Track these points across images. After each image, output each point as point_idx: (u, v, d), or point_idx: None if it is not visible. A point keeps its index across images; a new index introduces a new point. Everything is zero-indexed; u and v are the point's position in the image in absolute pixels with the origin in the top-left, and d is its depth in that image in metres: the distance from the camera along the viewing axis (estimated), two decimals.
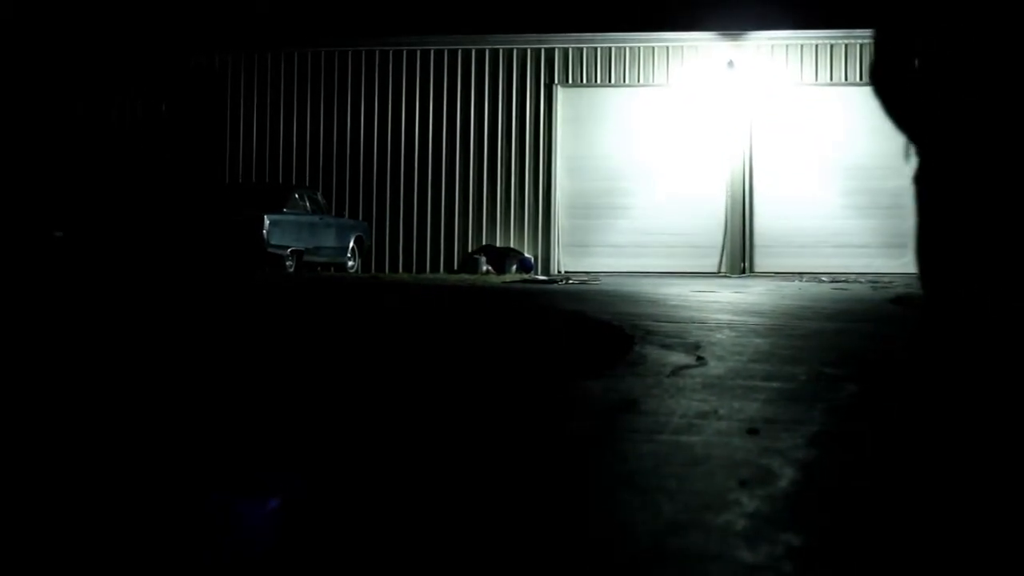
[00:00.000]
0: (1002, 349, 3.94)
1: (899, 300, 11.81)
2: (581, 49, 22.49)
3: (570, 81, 22.58)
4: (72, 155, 23.06)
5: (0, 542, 2.50)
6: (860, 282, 17.60)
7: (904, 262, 20.81)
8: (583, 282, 17.27)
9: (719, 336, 7.09)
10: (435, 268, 22.56)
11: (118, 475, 3.16)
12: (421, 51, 22.98)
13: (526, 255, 22.16)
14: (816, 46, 21.86)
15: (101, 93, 23.28)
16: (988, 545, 2.51)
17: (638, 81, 22.31)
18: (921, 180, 3.20)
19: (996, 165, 3.17)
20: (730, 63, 21.93)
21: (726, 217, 21.97)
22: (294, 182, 22.50)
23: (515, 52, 22.75)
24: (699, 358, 5.80)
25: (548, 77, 22.66)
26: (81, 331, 7.57)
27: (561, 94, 22.65)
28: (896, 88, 3.17)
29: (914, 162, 3.24)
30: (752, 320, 8.61)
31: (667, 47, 22.23)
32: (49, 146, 23.03)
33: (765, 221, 21.89)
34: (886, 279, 18.50)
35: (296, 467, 3.22)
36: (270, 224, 17.49)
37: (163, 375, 5.36)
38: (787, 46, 21.94)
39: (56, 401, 4.54)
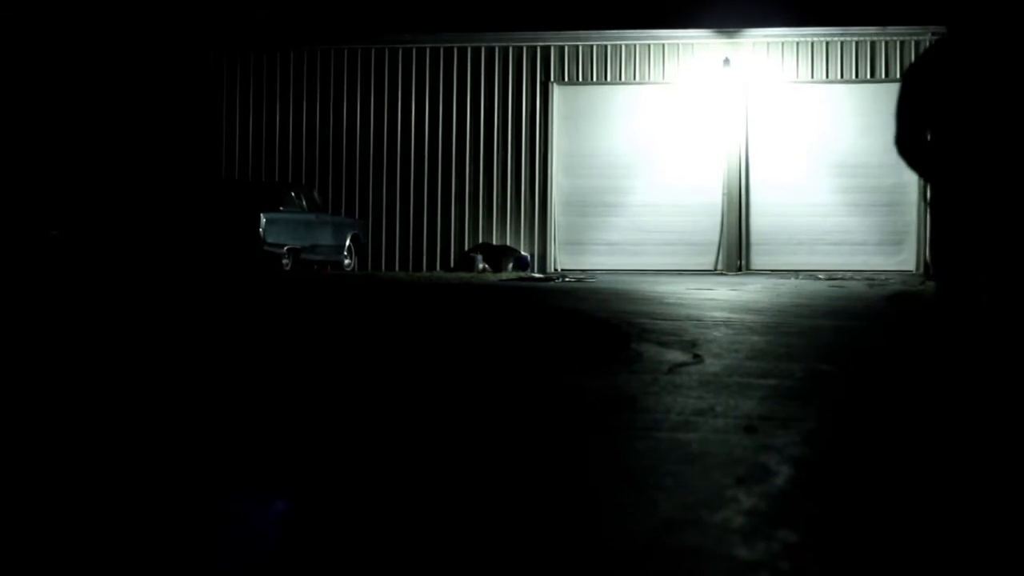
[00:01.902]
0: (999, 349, 3.97)
1: (895, 298, 11.83)
2: (577, 47, 22.49)
3: (566, 79, 22.58)
4: (69, 154, 23.03)
5: (8, 542, 2.51)
6: (857, 280, 17.60)
7: (901, 259, 20.82)
8: (579, 280, 17.27)
9: (716, 334, 7.10)
10: (431, 266, 22.56)
11: (123, 477, 3.17)
12: (417, 49, 22.97)
13: (522, 253, 22.15)
14: (812, 43, 21.86)
15: (99, 92, 23.25)
16: (979, 543, 2.53)
17: (634, 79, 22.30)
18: (936, 204, 4.04)
19: (1002, 190, 3.89)
20: (726, 61, 21.93)
21: (722, 215, 21.98)
22: (290, 180, 22.49)
23: (511, 50, 22.74)
24: (696, 355, 5.82)
25: (544, 75, 22.66)
26: (79, 331, 7.57)
27: (557, 92, 22.65)
28: (916, 151, 4.02)
29: (928, 193, 4.16)
30: (748, 318, 8.62)
31: (663, 45, 22.23)
32: (46, 145, 23.00)
33: (762, 219, 21.89)
34: (883, 276, 18.50)
35: (300, 464, 3.23)
36: (266, 222, 17.49)
37: (163, 375, 5.36)
38: (783, 43, 21.94)
39: (57, 402, 4.54)
